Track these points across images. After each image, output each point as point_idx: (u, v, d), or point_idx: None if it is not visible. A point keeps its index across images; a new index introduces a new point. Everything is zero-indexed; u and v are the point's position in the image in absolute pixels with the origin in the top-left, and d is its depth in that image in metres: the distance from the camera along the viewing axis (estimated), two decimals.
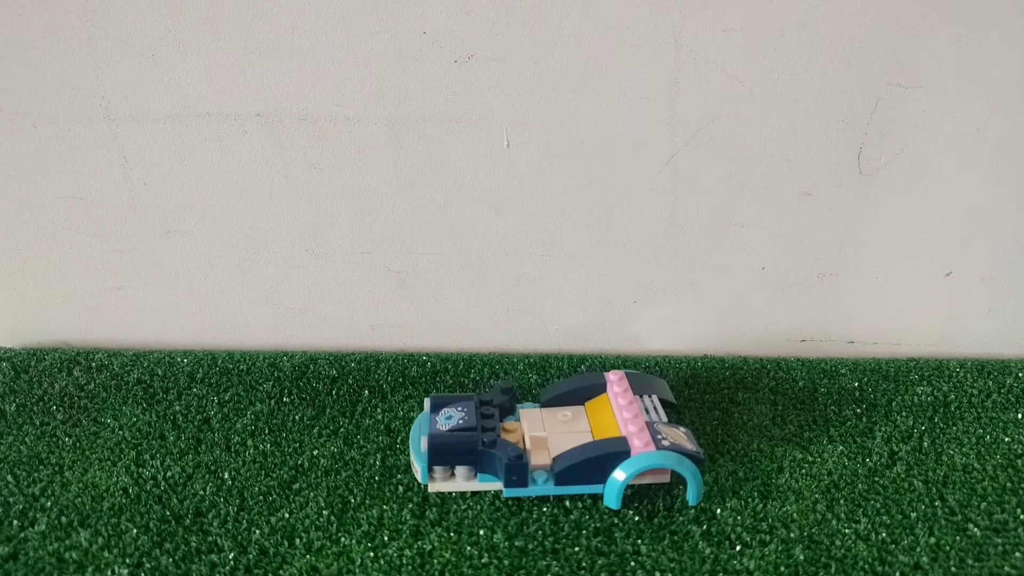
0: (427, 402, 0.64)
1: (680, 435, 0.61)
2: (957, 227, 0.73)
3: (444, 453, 0.59)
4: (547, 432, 0.63)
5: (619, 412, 0.63)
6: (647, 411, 0.63)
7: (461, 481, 0.60)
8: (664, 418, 0.63)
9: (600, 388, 0.66)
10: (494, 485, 0.60)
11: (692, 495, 0.59)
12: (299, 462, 0.63)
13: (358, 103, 0.68)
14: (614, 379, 0.65)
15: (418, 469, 0.60)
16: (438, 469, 0.60)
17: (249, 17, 0.65)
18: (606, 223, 0.74)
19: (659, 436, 0.59)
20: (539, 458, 0.60)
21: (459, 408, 0.63)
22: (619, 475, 0.58)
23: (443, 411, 0.62)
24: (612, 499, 0.59)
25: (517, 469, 0.58)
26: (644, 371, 0.75)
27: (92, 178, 0.72)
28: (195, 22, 0.65)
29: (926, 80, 0.67)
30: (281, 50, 0.66)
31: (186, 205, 0.73)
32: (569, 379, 0.68)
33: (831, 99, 0.68)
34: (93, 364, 0.76)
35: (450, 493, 0.61)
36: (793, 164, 0.71)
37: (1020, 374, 0.75)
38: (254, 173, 0.71)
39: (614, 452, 0.58)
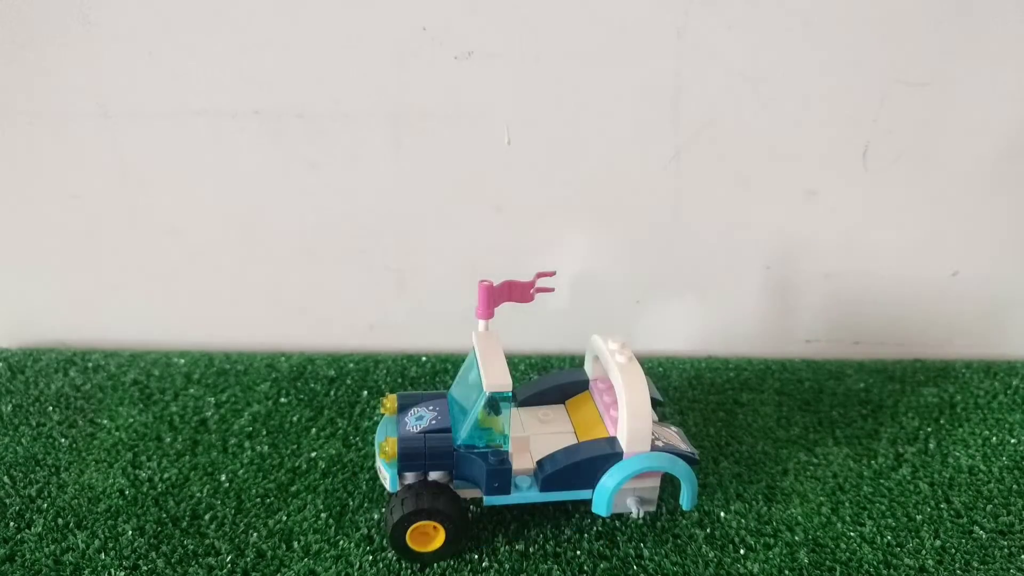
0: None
1: (673, 435, 0.58)
2: (963, 226, 0.73)
3: (416, 458, 0.53)
4: (527, 433, 0.57)
5: (606, 411, 0.58)
6: None
7: None
8: (655, 416, 0.60)
9: (582, 385, 0.61)
10: (472, 492, 0.54)
11: (686, 499, 0.56)
12: (297, 464, 0.63)
13: (357, 100, 0.67)
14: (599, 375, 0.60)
15: (387, 477, 0.54)
16: (409, 476, 0.54)
17: (247, 13, 0.64)
18: (608, 222, 0.73)
19: (652, 436, 0.55)
20: (521, 462, 0.54)
21: (431, 407, 0.56)
22: (609, 480, 0.54)
23: (413, 411, 0.56)
24: (602, 506, 0.54)
25: (500, 474, 0.53)
26: (646, 371, 0.74)
27: (88, 176, 0.71)
28: (192, 18, 0.65)
29: (932, 77, 0.66)
30: (279, 46, 0.65)
31: (183, 204, 0.72)
32: (547, 375, 0.63)
33: (836, 96, 0.67)
34: (89, 364, 0.75)
35: None
36: (798, 162, 0.70)
37: None
38: (251, 171, 0.71)
39: (604, 455, 0.54)
